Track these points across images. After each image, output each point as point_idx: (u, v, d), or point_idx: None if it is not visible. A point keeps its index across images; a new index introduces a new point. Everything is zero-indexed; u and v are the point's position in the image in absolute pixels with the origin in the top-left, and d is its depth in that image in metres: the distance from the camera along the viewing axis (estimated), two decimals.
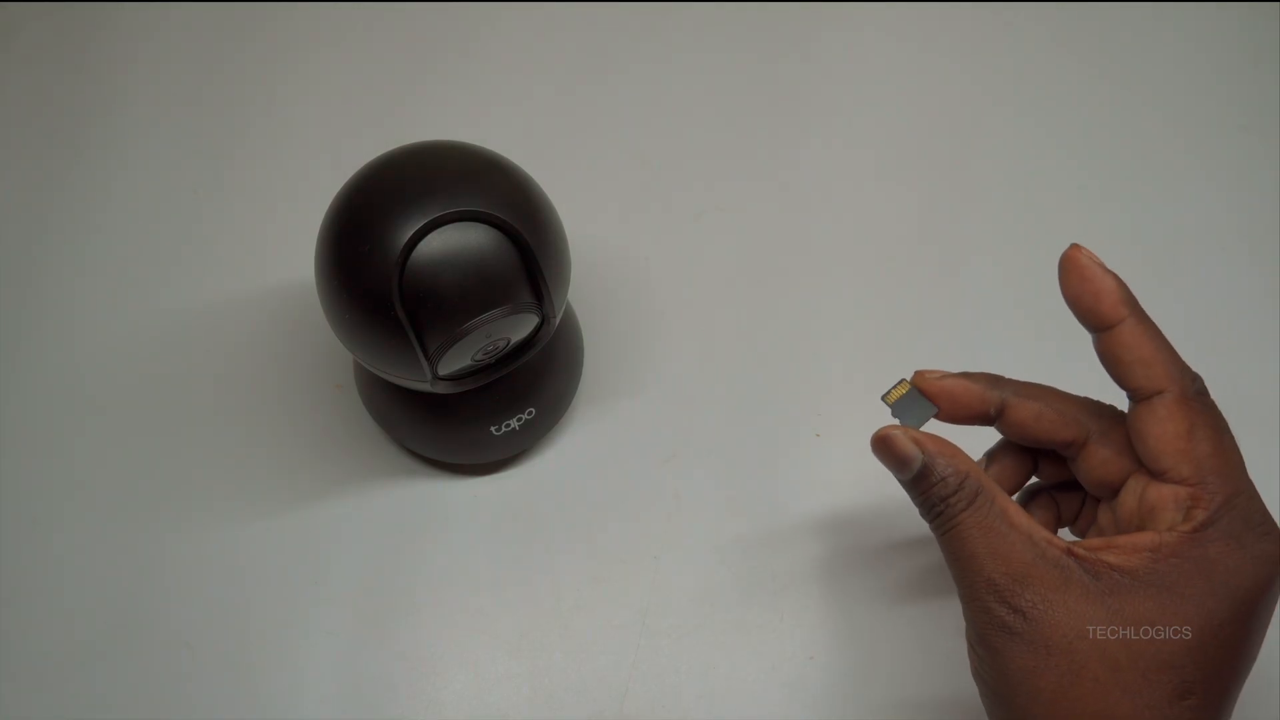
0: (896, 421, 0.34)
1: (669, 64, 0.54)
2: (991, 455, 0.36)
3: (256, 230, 0.49)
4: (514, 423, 0.41)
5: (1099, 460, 0.31)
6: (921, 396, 0.34)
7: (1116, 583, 0.28)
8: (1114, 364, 0.31)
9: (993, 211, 0.49)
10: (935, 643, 0.40)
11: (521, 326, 0.36)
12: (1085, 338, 0.43)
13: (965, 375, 0.33)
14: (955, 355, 0.45)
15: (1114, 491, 0.31)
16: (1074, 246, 0.32)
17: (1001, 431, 0.33)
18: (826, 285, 0.48)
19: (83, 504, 0.43)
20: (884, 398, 0.34)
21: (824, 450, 0.44)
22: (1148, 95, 0.52)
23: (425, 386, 0.37)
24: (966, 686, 0.40)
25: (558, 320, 0.38)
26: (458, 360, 0.36)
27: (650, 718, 0.39)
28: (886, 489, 0.43)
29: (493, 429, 0.41)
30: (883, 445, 0.32)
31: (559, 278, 0.37)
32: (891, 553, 0.42)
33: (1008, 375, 0.34)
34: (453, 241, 0.34)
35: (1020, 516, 0.30)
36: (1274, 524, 0.29)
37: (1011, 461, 0.35)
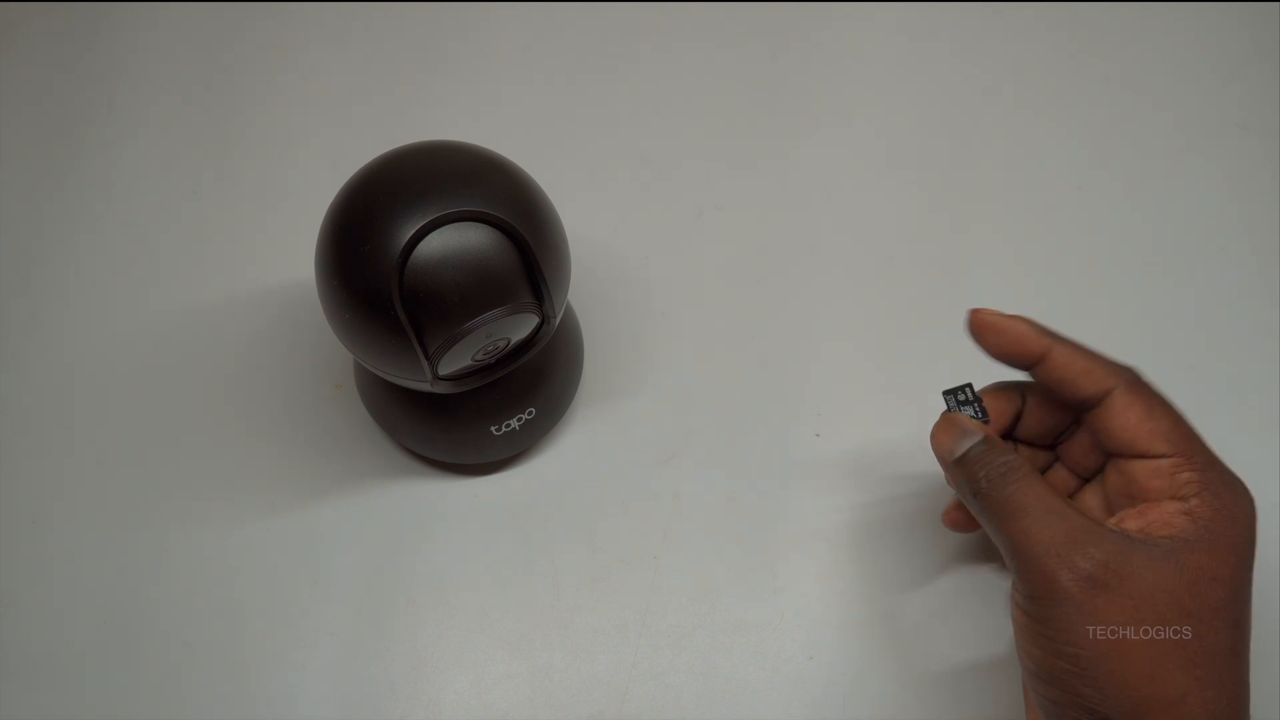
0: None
1: (669, 63, 0.54)
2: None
3: (256, 230, 0.49)
4: (514, 423, 0.41)
5: (1125, 420, 0.33)
6: (976, 402, 0.36)
7: (1174, 546, 0.31)
8: (1061, 386, 0.34)
9: (993, 211, 0.49)
10: (936, 643, 0.40)
11: (521, 326, 0.36)
12: (1082, 337, 0.42)
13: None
14: (955, 355, 0.45)
15: (1134, 452, 0.33)
16: (974, 311, 0.35)
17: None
18: (827, 285, 0.48)
19: (82, 504, 0.43)
20: (945, 393, 0.36)
21: (824, 450, 0.44)
22: (1147, 94, 0.52)
23: (425, 386, 0.37)
24: (967, 686, 0.40)
25: (558, 320, 0.38)
26: (458, 360, 0.36)
27: (650, 718, 0.39)
28: (886, 490, 0.43)
29: (493, 429, 0.41)
30: (950, 423, 0.34)
31: (559, 278, 0.37)
32: (892, 553, 0.42)
33: (1008, 375, 0.37)
34: (453, 241, 0.34)
35: (1063, 496, 0.32)
36: (1243, 484, 0.33)
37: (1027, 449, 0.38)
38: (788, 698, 0.39)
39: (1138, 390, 0.33)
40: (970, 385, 0.36)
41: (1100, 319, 0.46)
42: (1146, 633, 0.30)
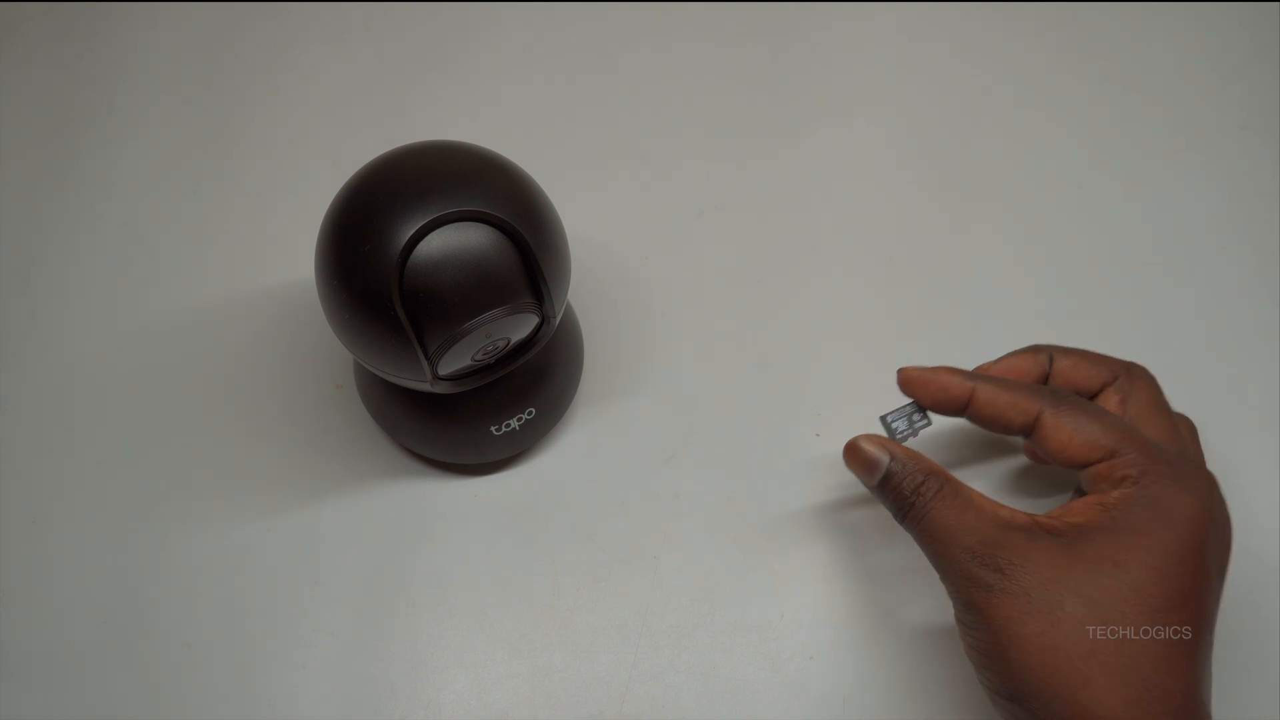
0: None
1: (669, 63, 0.54)
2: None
3: (256, 230, 0.49)
4: (514, 423, 0.41)
5: (1056, 441, 0.35)
6: (915, 412, 0.38)
7: (1078, 534, 0.32)
8: (992, 422, 0.36)
9: (993, 211, 0.49)
10: (936, 643, 0.40)
11: (521, 326, 0.36)
12: (1083, 337, 0.43)
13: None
14: (955, 355, 0.45)
15: (1076, 464, 0.34)
16: (900, 371, 0.38)
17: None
18: (826, 285, 0.48)
19: (82, 503, 0.43)
20: (882, 416, 0.38)
21: (824, 450, 0.44)
22: (1148, 94, 0.52)
23: (425, 386, 0.37)
24: (967, 686, 0.40)
25: (558, 320, 0.38)
26: (458, 360, 0.36)
27: (650, 718, 0.39)
28: None
29: (493, 429, 0.41)
30: (851, 453, 0.37)
31: (559, 278, 0.37)
32: (891, 554, 0.42)
33: (1054, 345, 0.39)
34: (453, 241, 0.34)
35: (984, 499, 0.34)
36: (1204, 466, 0.33)
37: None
38: (788, 698, 0.39)
39: (1063, 408, 0.35)
40: (914, 401, 0.38)
41: (1100, 319, 0.46)
42: (1038, 623, 0.31)
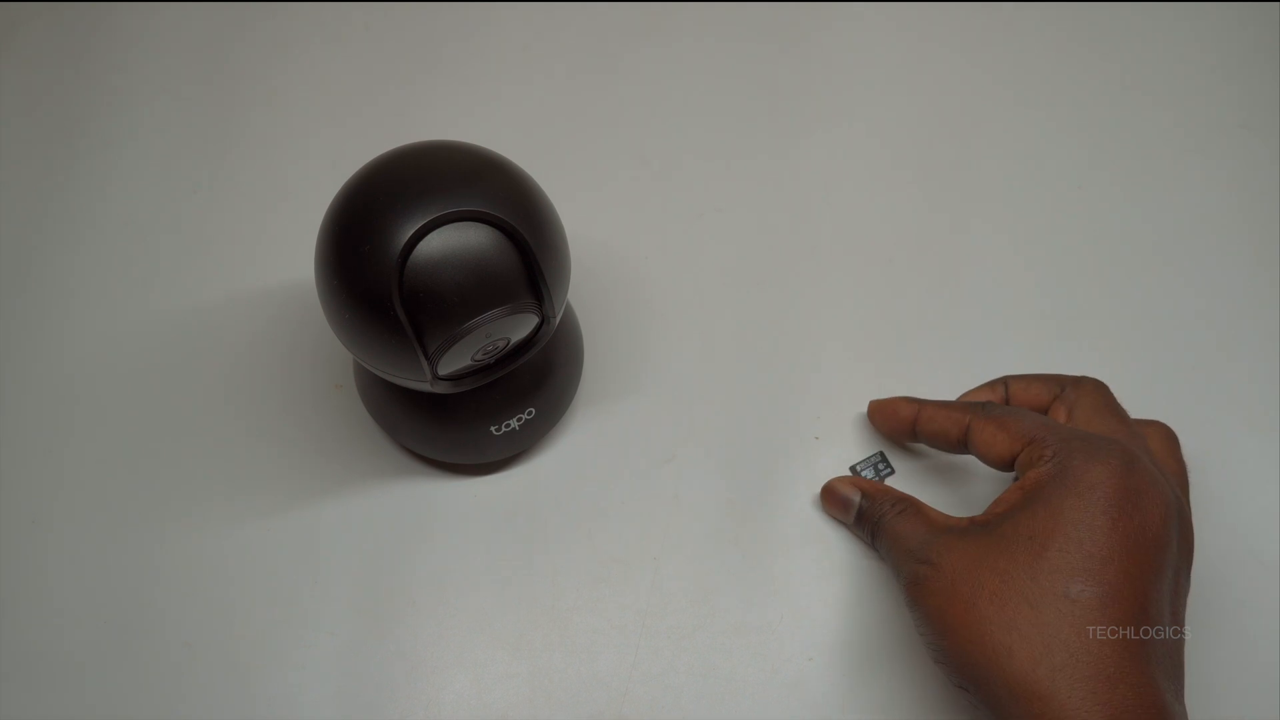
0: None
1: (669, 64, 0.54)
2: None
3: (256, 230, 0.49)
4: (514, 423, 0.41)
5: (980, 441, 0.37)
6: (880, 462, 0.43)
7: (1000, 520, 0.34)
8: (934, 436, 0.40)
9: (993, 212, 0.49)
10: None
11: (521, 326, 0.36)
12: (1083, 338, 0.43)
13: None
14: (955, 356, 0.45)
15: (1005, 462, 0.37)
16: (871, 402, 0.43)
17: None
18: (826, 286, 0.48)
19: (82, 503, 0.43)
20: (851, 466, 0.43)
21: (824, 452, 0.44)
22: (1148, 93, 0.52)
23: (425, 386, 0.37)
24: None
25: (558, 320, 0.38)
26: (457, 360, 0.36)
27: (650, 718, 0.39)
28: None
29: (493, 429, 0.41)
30: (827, 495, 0.42)
31: (559, 278, 0.37)
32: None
33: (1009, 374, 0.41)
34: (453, 241, 0.34)
35: (939, 514, 0.37)
36: (1120, 444, 0.34)
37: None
38: (787, 699, 0.39)
39: (988, 416, 0.37)
40: (881, 452, 0.43)
41: (1100, 319, 0.46)
42: (961, 606, 0.33)
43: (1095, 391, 0.38)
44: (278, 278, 0.48)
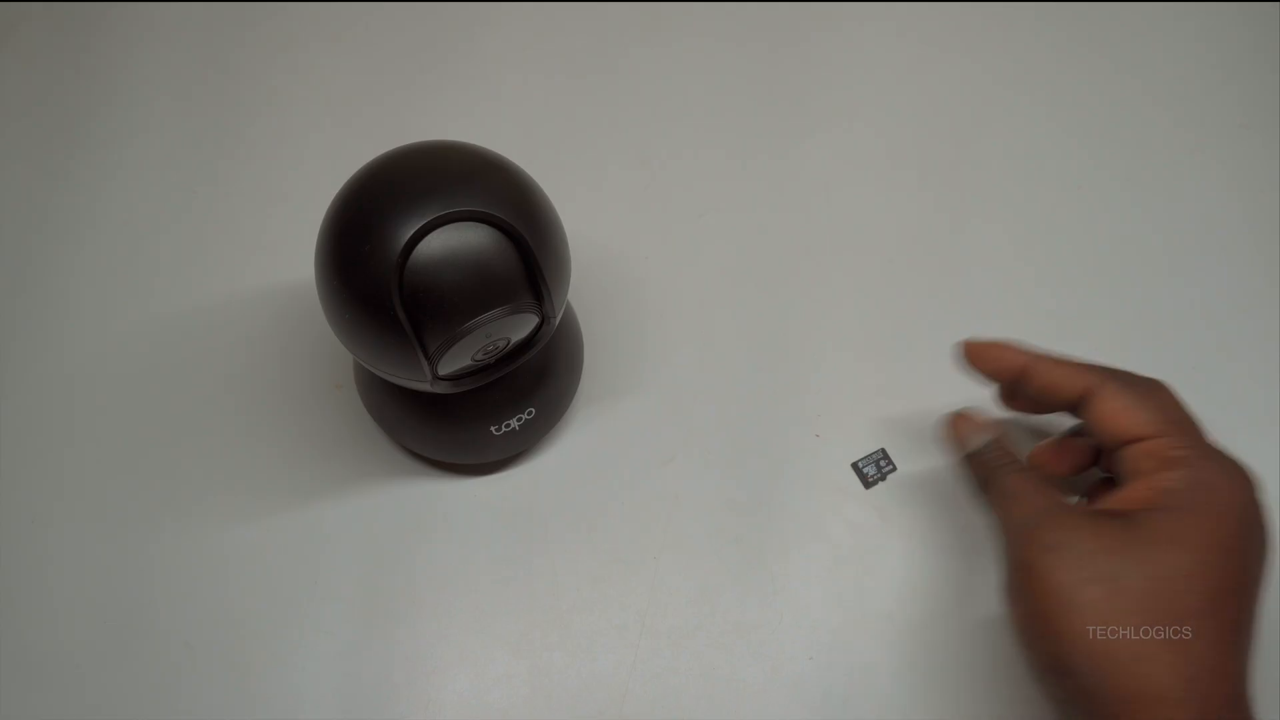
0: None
1: (669, 64, 0.54)
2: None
3: (256, 230, 0.49)
4: (514, 423, 0.41)
5: (1108, 410, 0.35)
6: (883, 459, 0.43)
7: (1137, 514, 0.33)
8: (1046, 393, 0.37)
9: (993, 211, 0.49)
10: (935, 644, 0.40)
11: (521, 326, 0.36)
12: (1083, 338, 0.42)
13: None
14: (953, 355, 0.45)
15: (1122, 442, 0.35)
16: (963, 342, 0.39)
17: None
18: (826, 286, 0.48)
19: (82, 503, 0.43)
20: (853, 463, 0.43)
21: (824, 451, 0.44)
22: (1148, 93, 0.52)
23: (425, 386, 0.37)
24: (966, 686, 0.40)
25: (558, 320, 0.38)
26: (457, 360, 0.36)
27: (650, 718, 0.39)
28: (885, 490, 0.43)
29: (493, 429, 0.41)
30: (955, 424, 0.39)
31: (559, 278, 0.37)
32: (891, 554, 0.42)
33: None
34: (453, 241, 0.34)
35: (1055, 486, 0.35)
36: (1241, 465, 0.34)
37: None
38: (787, 698, 0.39)
39: (1122, 385, 0.36)
40: (883, 449, 0.43)
41: (1101, 319, 0.46)
42: (1097, 591, 0.31)
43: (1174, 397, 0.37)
44: (278, 278, 0.48)
